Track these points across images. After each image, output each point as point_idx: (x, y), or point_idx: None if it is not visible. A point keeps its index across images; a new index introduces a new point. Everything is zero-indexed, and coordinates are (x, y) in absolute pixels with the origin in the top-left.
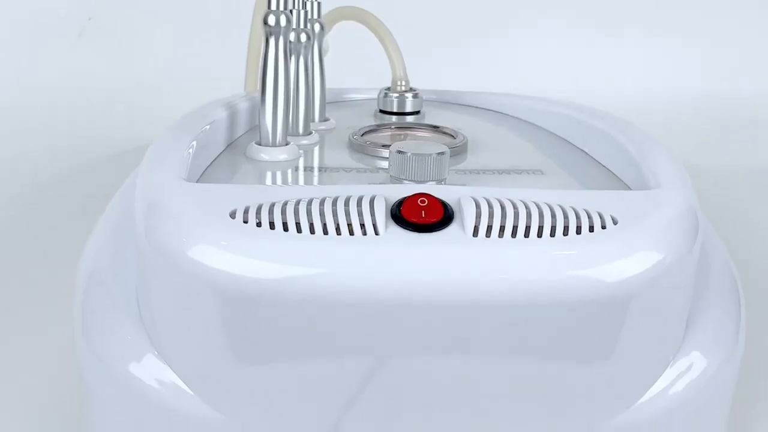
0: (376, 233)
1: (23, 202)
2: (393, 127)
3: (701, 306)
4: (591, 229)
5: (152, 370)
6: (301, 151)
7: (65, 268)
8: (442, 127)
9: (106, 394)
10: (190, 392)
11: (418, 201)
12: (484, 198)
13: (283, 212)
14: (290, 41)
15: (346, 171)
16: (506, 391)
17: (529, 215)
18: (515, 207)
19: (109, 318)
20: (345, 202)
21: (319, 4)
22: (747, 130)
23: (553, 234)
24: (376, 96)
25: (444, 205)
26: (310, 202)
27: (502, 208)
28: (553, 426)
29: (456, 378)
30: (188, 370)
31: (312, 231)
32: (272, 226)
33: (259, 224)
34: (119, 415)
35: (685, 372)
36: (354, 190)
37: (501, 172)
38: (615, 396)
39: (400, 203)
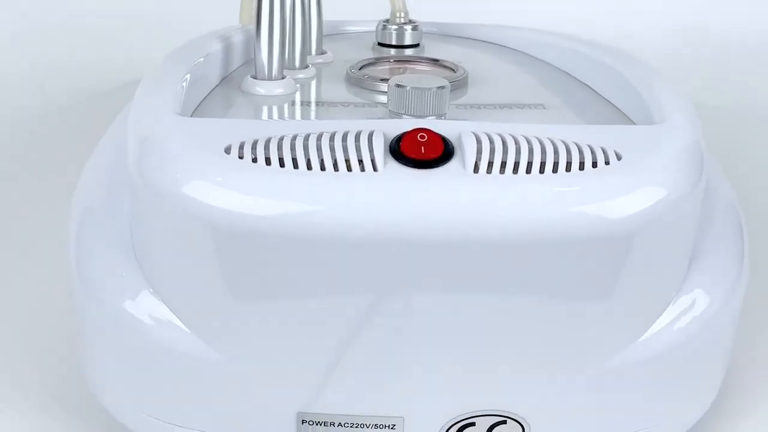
0: (375, 169)
1: (16, 136)
2: (392, 60)
3: (705, 243)
4: (594, 164)
5: (147, 308)
6: (298, 85)
7: (59, 203)
8: (442, 61)
9: (101, 331)
10: (186, 329)
11: (418, 136)
12: (485, 133)
13: (280, 147)
14: None
15: (343, 105)
16: (506, 328)
17: (530, 151)
18: (517, 142)
19: (104, 255)
20: (342, 137)
21: None
22: (754, 68)
23: (555, 170)
24: (374, 28)
25: (444, 141)
26: (306, 138)
27: (504, 143)
28: (554, 363)
29: (455, 315)
30: (184, 307)
31: (309, 167)
32: (268, 161)
33: (254, 160)
34: (115, 353)
35: (687, 309)
36: (352, 125)
37: (502, 106)
38: (616, 333)
39: (399, 138)
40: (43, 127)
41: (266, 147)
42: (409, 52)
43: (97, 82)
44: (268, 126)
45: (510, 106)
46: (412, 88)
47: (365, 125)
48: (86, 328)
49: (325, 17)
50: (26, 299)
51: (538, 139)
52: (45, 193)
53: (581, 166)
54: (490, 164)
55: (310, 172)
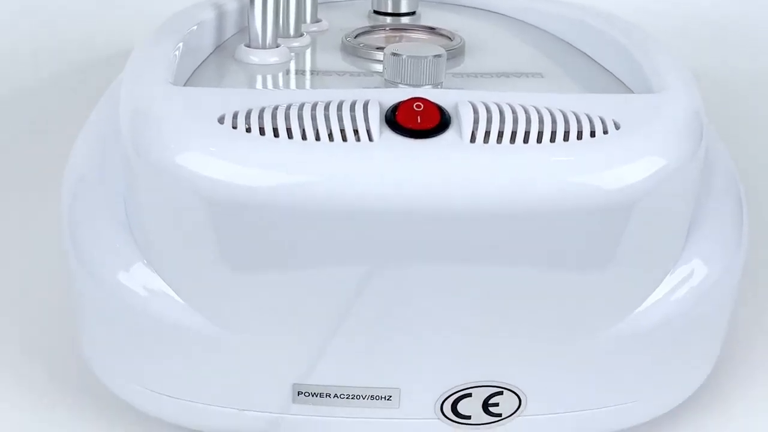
0: (370, 139)
1: (7, 108)
2: (388, 28)
3: (703, 213)
4: (592, 134)
5: (141, 279)
6: (292, 54)
7: (51, 174)
8: (439, 29)
9: (96, 302)
10: (180, 301)
11: (414, 106)
12: (482, 102)
13: (274, 117)
14: None
15: (338, 74)
16: (502, 299)
17: (528, 120)
18: (514, 111)
19: (97, 226)
20: (338, 106)
21: None
22: (748, 33)
23: (553, 139)
24: None
25: (440, 110)
26: (301, 107)
27: (501, 112)
28: (551, 334)
29: (451, 286)
30: (178, 279)
31: (304, 137)
32: (262, 131)
33: (248, 130)
34: (109, 324)
35: (685, 280)
36: (347, 94)
37: (499, 75)
38: (614, 303)
39: (395, 108)
40: (35, 98)
41: (260, 117)
42: (405, 20)
43: (90, 52)
44: (263, 95)
45: (507, 75)
46: (408, 56)
47: (361, 94)
48: (80, 300)
49: None
50: (20, 272)
51: (535, 108)
52: (37, 164)
53: (579, 136)
54: (487, 134)
55: (304, 142)
